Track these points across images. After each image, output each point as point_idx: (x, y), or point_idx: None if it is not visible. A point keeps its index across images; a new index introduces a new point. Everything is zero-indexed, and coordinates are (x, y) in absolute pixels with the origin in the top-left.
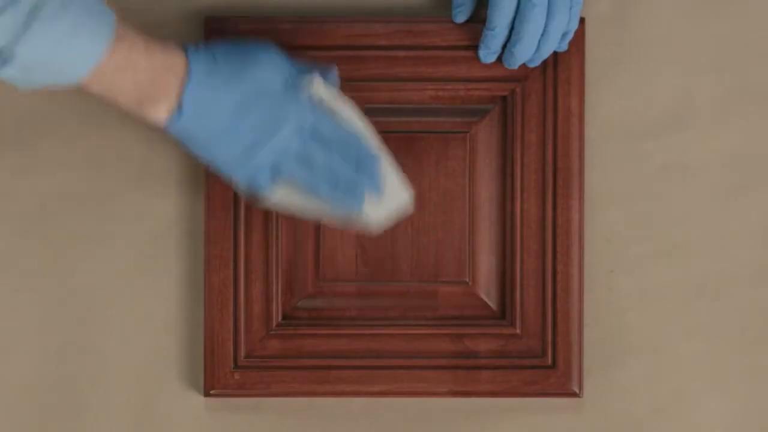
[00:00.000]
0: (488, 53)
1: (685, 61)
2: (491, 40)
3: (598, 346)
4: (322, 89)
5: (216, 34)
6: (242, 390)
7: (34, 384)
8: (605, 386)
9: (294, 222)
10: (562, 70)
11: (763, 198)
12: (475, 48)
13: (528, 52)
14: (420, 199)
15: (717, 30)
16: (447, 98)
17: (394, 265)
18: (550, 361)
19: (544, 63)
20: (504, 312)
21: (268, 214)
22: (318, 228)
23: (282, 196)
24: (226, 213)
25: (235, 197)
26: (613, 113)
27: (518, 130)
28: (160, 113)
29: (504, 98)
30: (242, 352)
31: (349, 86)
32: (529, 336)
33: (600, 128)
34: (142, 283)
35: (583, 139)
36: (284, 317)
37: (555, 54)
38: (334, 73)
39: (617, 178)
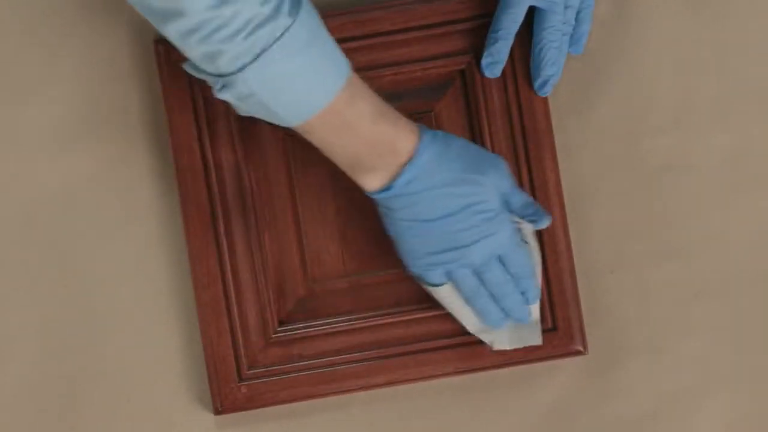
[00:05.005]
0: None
1: (685, 61)
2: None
3: (598, 346)
4: (528, 227)
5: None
6: (252, 403)
7: (34, 385)
8: (606, 386)
9: (275, 227)
10: None
11: (763, 198)
12: (424, 27)
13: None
14: None
15: (717, 30)
16: (406, 81)
17: (380, 254)
18: (550, 324)
19: None
20: None
21: (248, 225)
22: (300, 230)
23: (445, 294)
24: (205, 231)
25: (213, 213)
26: (612, 113)
27: (480, 99)
28: (373, 184)
29: (462, 72)
30: (245, 364)
31: None
32: None
33: (599, 128)
34: (145, 288)
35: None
36: (281, 323)
37: None
38: (547, 221)
39: (617, 178)
